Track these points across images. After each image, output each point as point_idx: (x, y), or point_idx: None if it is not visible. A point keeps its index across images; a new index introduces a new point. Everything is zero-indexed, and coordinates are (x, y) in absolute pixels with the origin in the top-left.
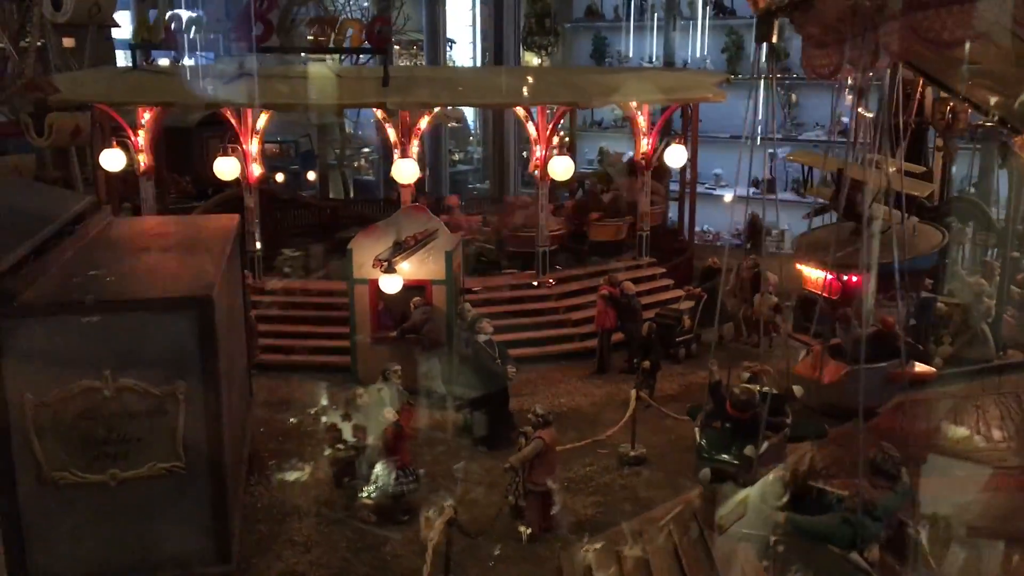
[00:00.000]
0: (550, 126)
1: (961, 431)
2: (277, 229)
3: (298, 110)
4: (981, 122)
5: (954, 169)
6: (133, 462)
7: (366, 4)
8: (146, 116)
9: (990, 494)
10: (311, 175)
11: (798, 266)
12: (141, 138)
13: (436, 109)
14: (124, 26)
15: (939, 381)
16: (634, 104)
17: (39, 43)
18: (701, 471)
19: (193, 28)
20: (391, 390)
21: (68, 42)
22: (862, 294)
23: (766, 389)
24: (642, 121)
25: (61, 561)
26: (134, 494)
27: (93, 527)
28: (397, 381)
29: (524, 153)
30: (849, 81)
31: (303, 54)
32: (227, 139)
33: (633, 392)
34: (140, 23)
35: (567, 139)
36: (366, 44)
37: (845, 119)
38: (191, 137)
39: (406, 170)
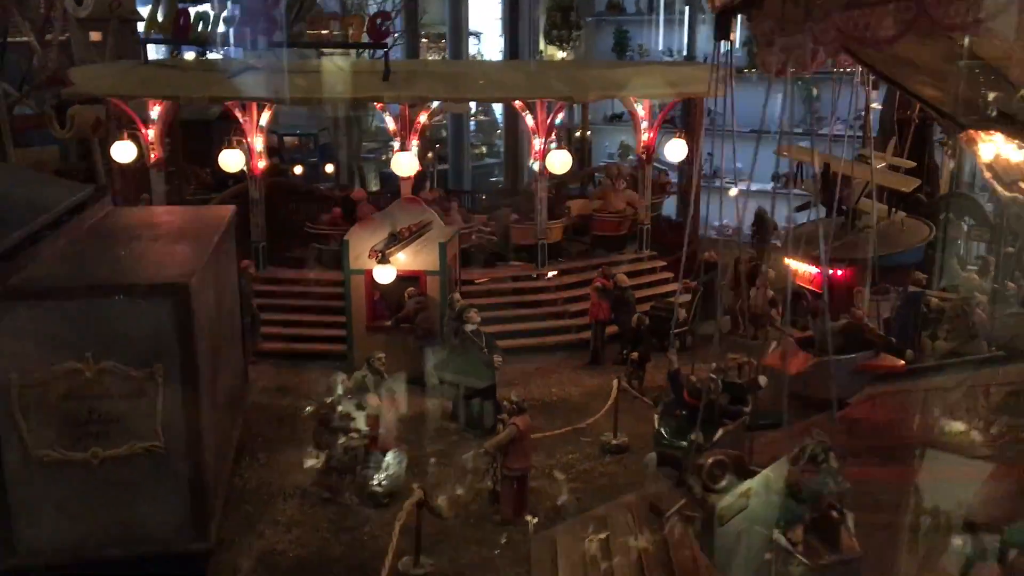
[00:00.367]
0: (549, 119)
1: (957, 425)
2: (292, 220)
3: (298, 104)
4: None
5: (952, 164)
6: (114, 441)
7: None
8: (155, 109)
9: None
10: (329, 168)
11: (786, 260)
12: (152, 131)
13: (435, 103)
14: None
15: (914, 375)
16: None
17: (62, 37)
18: (647, 456)
19: (201, 23)
20: (375, 377)
21: (95, 36)
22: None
23: (727, 379)
24: (642, 113)
25: (46, 536)
26: (115, 472)
27: (76, 504)
28: (381, 368)
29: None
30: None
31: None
32: (231, 132)
33: (615, 382)
34: (149, 18)
35: (588, 134)
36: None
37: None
38: (211, 130)
39: (404, 163)
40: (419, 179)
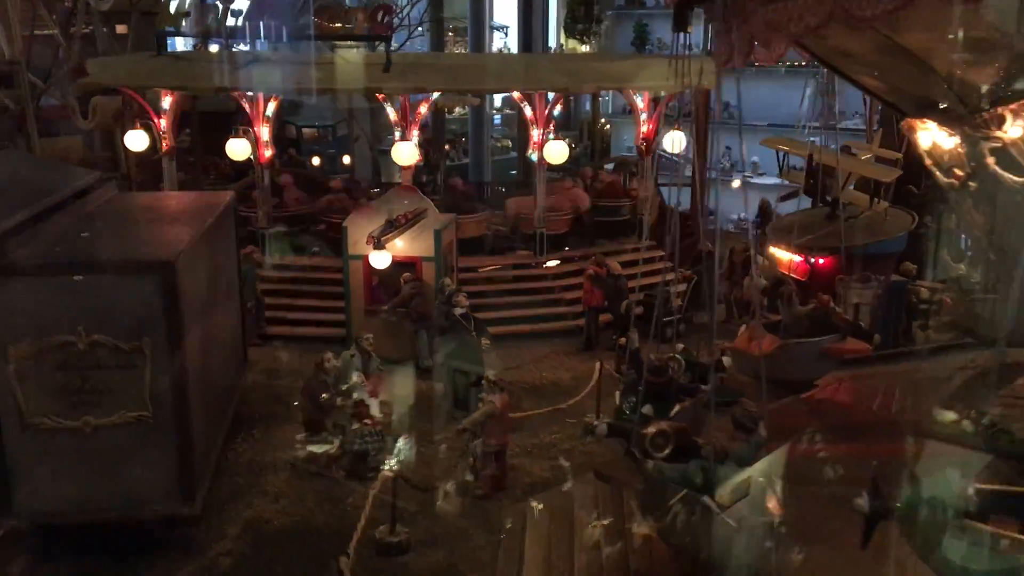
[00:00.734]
0: (547, 110)
1: (949, 414)
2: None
3: (303, 94)
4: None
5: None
6: (105, 410)
7: None
8: (167, 100)
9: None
10: (346, 159)
11: (771, 249)
12: (164, 121)
13: (436, 95)
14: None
15: (882, 360)
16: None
17: (86, 30)
18: (598, 426)
19: (211, 16)
20: (362, 356)
21: (121, 28)
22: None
23: (690, 359)
24: (641, 105)
25: (42, 499)
26: (107, 439)
27: (70, 469)
28: (369, 348)
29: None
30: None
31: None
32: (239, 122)
33: (598, 364)
34: (164, 11)
35: (608, 127)
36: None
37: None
38: (230, 121)
39: (404, 152)
40: (433, 166)
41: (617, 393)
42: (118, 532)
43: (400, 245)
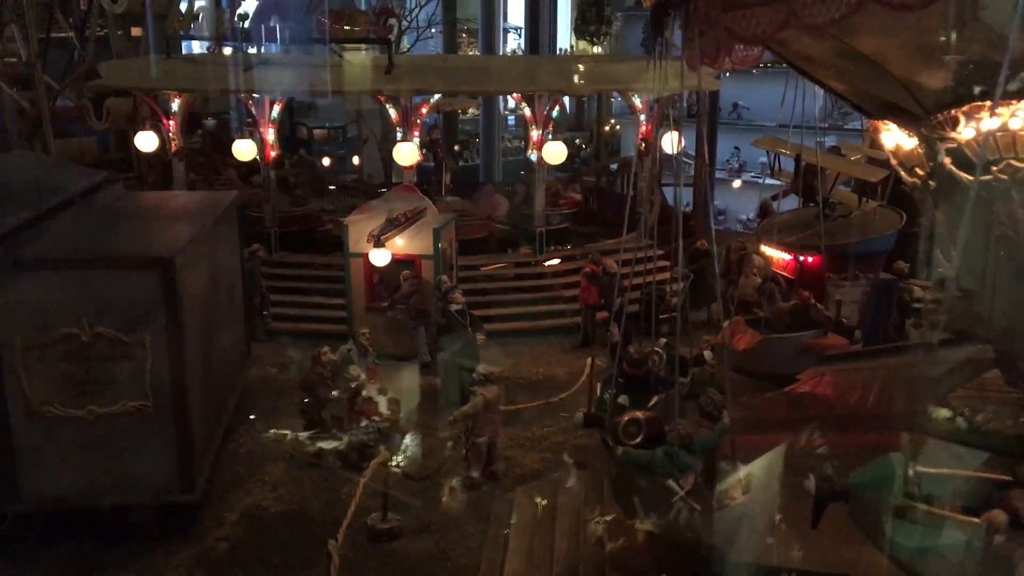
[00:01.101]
0: (547, 111)
1: (943, 412)
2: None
3: (308, 96)
4: None
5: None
6: (108, 400)
7: None
8: (176, 102)
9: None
10: (356, 159)
11: (762, 247)
12: (173, 122)
13: (436, 96)
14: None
15: (865, 355)
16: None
17: (100, 32)
18: (576, 416)
19: (223, 19)
20: (359, 351)
21: (136, 31)
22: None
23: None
24: (640, 106)
25: (46, 485)
26: (109, 428)
27: (74, 456)
28: (366, 343)
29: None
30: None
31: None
32: (244, 123)
33: (589, 360)
34: (172, 15)
35: (618, 128)
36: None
37: None
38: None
39: (405, 152)
40: (442, 167)
41: (598, 385)
42: (119, 518)
43: (400, 243)
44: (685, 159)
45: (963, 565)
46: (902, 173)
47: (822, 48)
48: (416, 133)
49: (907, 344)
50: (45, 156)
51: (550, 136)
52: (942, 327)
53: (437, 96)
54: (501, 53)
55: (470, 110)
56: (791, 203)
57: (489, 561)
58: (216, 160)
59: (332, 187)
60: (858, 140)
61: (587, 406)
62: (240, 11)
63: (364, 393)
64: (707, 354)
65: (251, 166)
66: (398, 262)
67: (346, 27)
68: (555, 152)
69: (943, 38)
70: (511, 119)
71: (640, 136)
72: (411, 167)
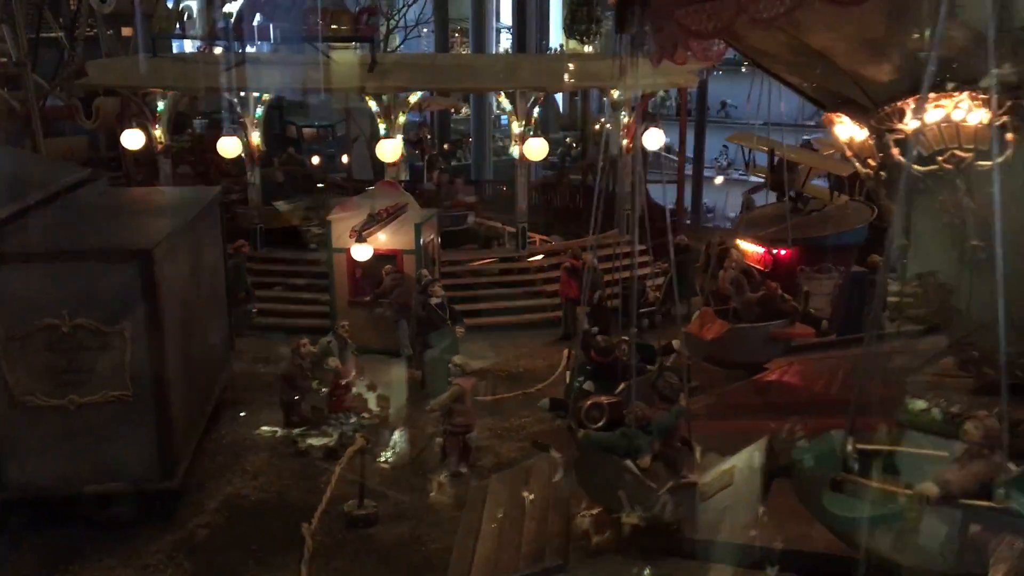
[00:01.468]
0: (528, 107)
1: (919, 403)
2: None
3: (291, 93)
4: None
5: None
6: (88, 389)
7: None
8: (162, 102)
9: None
10: (345, 158)
11: (738, 241)
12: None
13: (419, 94)
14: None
15: (833, 345)
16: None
17: (90, 32)
18: (542, 402)
19: (196, 19)
20: (339, 343)
21: (127, 31)
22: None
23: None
24: (619, 101)
25: (28, 474)
26: (90, 417)
27: (56, 445)
28: (345, 335)
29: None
30: None
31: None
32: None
33: (565, 351)
34: (157, 15)
35: (608, 125)
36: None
37: None
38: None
39: (389, 149)
40: (430, 165)
41: (567, 373)
42: (101, 505)
43: (383, 238)
44: (671, 156)
45: (903, 539)
46: (856, 164)
47: (775, 43)
48: (401, 134)
49: (875, 334)
50: (30, 153)
51: (531, 132)
52: (920, 319)
53: (420, 94)
54: (493, 52)
55: (463, 109)
56: (766, 198)
57: (461, 546)
58: (206, 159)
59: (320, 185)
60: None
61: (565, 396)
62: (225, 9)
63: (354, 390)
64: (675, 343)
65: (241, 165)
66: (381, 257)
67: (332, 26)
68: (536, 148)
69: (886, 33)
70: (504, 119)
71: (622, 133)
72: (395, 163)
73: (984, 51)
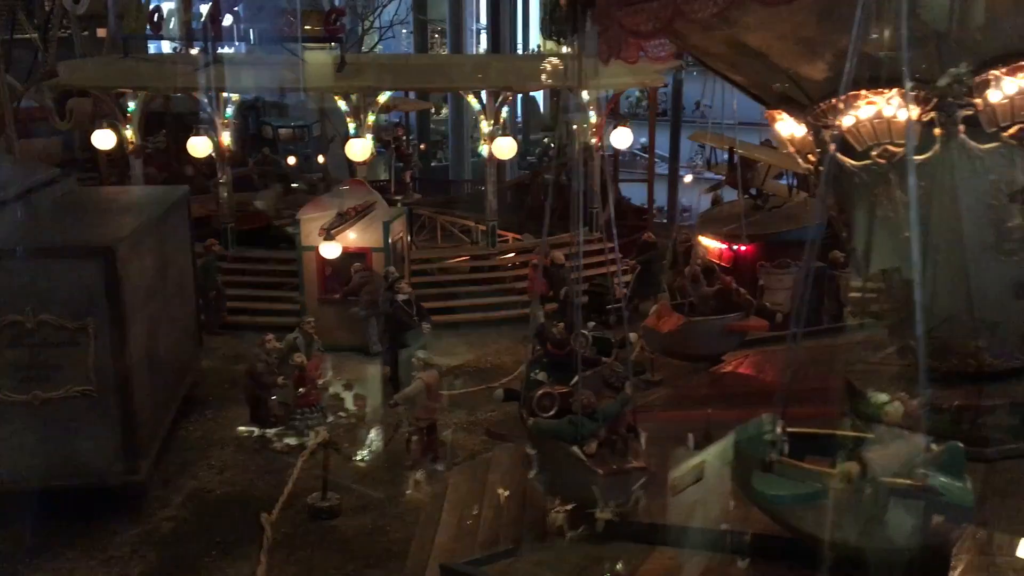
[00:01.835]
0: (496, 107)
1: (881, 396)
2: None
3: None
4: None
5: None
6: (53, 385)
7: None
8: (132, 102)
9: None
10: (321, 158)
11: (699, 238)
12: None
13: (387, 94)
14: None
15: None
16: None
17: (63, 33)
18: (496, 392)
19: (173, 20)
20: (304, 339)
21: (102, 32)
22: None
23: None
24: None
25: None
26: (55, 412)
27: (20, 439)
28: (311, 331)
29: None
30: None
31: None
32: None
33: (531, 346)
34: (128, 15)
35: (585, 126)
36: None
37: None
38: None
39: (358, 149)
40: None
41: (524, 367)
42: (68, 499)
43: (352, 236)
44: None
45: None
46: (798, 160)
47: (716, 42)
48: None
49: (827, 328)
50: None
51: (500, 132)
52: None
53: (389, 94)
54: (472, 53)
55: (443, 110)
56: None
57: (421, 536)
58: (180, 158)
59: (295, 185)
60: None
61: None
62: (194, 10)
63: (331, 390)
64: (632, 336)
65: (213, 165)
66: (350, 255)
67: (306, 26)
68: (505, 147)
69: (818, 32)
70: None
71: (591, 132)
72: (364, 162)
73: (915, 51)
